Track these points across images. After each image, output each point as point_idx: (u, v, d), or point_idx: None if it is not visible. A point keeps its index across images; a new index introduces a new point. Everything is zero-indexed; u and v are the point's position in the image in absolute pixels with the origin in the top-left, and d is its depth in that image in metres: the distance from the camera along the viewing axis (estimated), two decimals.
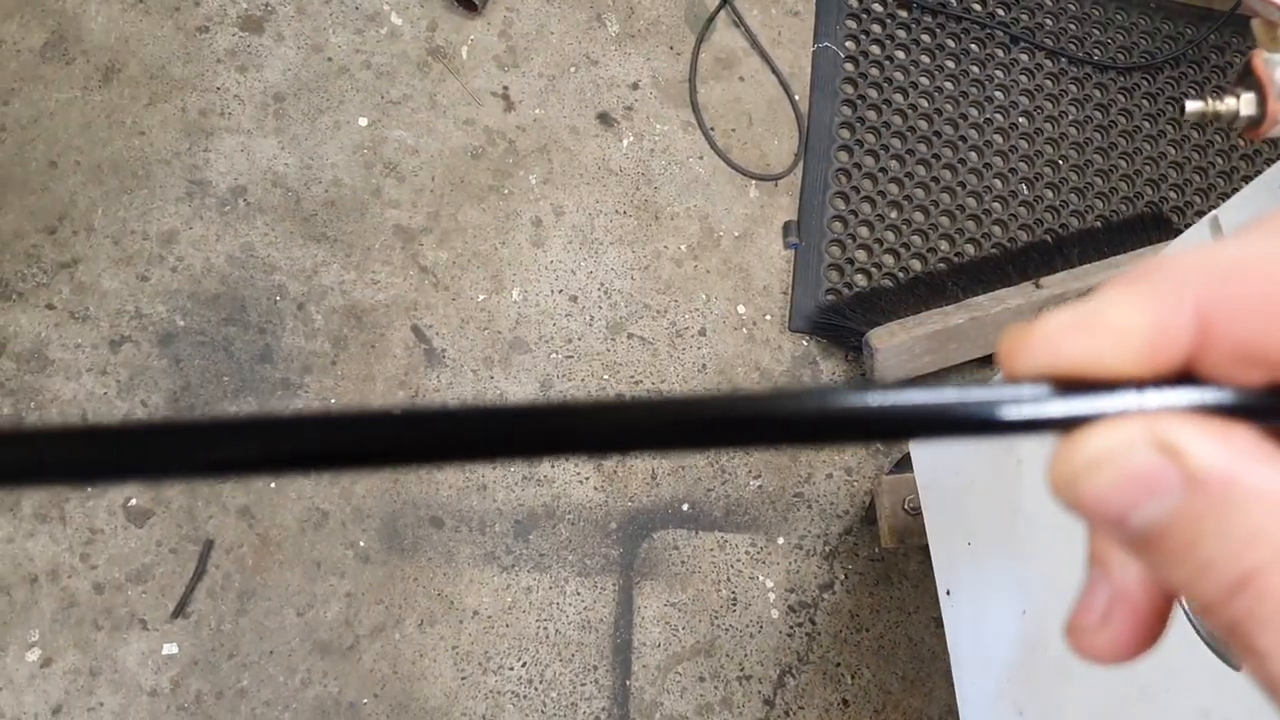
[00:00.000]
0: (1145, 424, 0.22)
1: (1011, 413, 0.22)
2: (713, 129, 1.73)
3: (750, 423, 0.22)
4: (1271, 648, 0.21)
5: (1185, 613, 0.64)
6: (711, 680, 1.42)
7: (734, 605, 1.46)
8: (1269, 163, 1.90)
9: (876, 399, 0.23)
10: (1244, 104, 0.80)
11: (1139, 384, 0.22)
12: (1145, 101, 1.92)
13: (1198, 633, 0.71)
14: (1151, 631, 0.24)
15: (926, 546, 1.24)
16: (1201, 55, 1.99)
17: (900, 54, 1.86)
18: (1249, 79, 0.81)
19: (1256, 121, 0.80)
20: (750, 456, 1.53)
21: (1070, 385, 0.22)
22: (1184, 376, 0.22)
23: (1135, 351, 0.22)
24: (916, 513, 1.34)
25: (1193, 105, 0.82)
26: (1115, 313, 0.22)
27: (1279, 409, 0.22)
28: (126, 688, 1.29)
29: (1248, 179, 1.88)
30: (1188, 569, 0.22)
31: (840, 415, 0.23)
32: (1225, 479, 0.21)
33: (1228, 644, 0.22)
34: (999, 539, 1.09)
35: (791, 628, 1.47)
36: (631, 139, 1.69)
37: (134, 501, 1.35)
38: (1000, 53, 1.90)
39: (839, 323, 1.59)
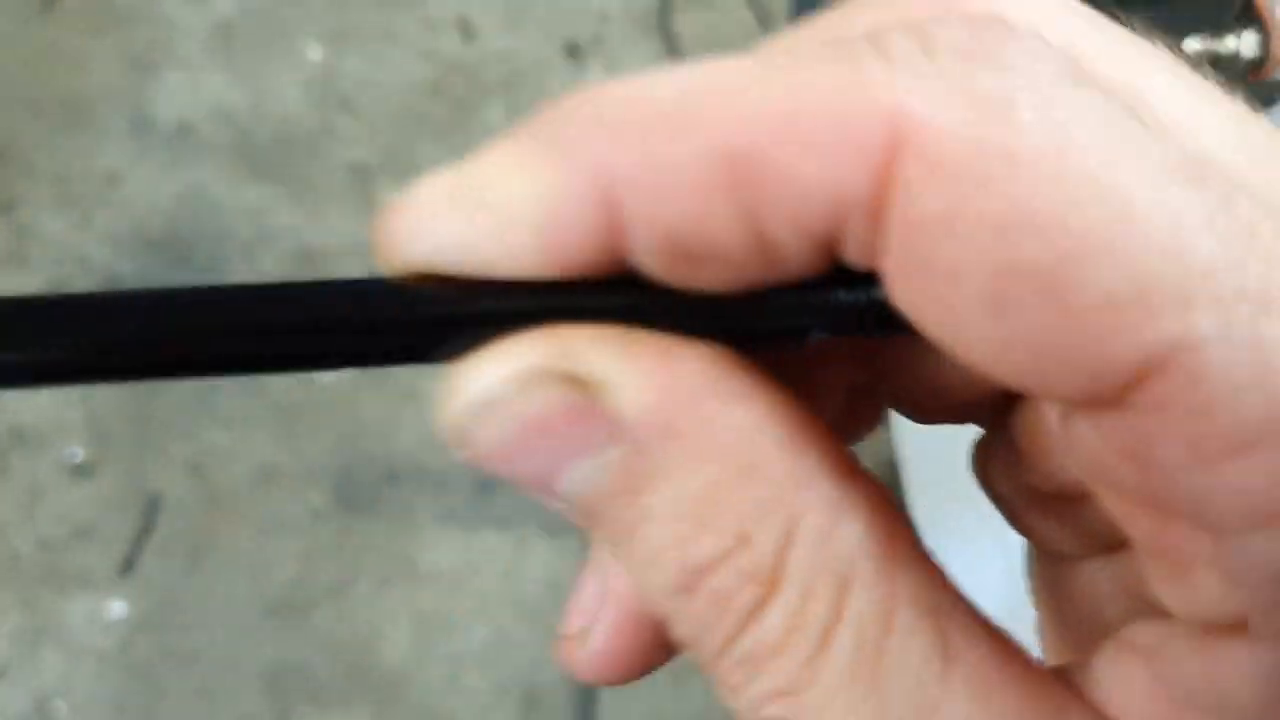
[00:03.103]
0: (549, 347, 0.14)
1: (348, 337, 0.15)
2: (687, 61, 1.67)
3: None
4: (739, 681, 0.15)
5: None
6: None
7: None
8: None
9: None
10: (1245, 44, 0.75)
11: (546, 288, 0.14)
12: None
13: None
14: (647, 642, 0.18)
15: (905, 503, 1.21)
16: None
17: None
18: (1248, 17, 0.75)
19: (1259, 64, 0.74)
20: None
21: (456, 289, 0.15)
22: (622, 278, 0.14)
23: (528, 243, 0.14)
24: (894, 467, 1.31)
25: (1192, 44, 0.76)
26: (503, 181, 0.15)
27: (744, 319, 0.15)
28: (73, 648, 1.26)
29: None
30: (635, 559, 0.15)
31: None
32: (665, 428, 0.14)
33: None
34: (979, 493, 1.05)
35: None
36: (600, 72, 1.63)
37: (80, 457, 1.32)
38: None
39: None
